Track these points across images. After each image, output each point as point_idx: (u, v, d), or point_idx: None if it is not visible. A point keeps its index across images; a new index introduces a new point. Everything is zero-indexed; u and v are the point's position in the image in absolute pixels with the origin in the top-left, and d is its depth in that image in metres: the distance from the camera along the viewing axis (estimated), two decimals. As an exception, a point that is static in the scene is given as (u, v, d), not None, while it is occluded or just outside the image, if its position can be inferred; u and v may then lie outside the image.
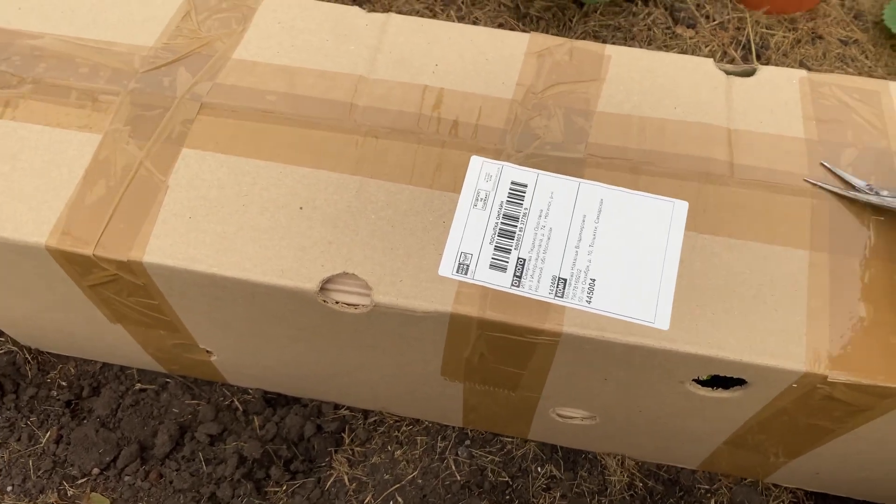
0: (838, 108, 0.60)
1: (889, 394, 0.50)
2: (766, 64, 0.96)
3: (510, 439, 0.76)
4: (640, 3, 1.00)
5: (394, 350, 0.59)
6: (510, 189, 0.55)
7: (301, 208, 0.54)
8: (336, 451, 0.75)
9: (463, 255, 0.53)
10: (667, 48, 0.97)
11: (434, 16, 0.99)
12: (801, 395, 0.53)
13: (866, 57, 0.98)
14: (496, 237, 0.54)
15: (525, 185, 0.56)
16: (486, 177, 0.56)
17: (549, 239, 0.54)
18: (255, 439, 0.74)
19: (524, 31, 0.97)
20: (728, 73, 0.62)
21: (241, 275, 0.52)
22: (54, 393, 0.77)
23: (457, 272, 0.53)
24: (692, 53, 0.97)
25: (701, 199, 0.55)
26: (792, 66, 0.97)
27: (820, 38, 0.99)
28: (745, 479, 0.75)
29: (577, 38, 0.97)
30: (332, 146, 0.57)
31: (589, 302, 0.52)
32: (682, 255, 0.53)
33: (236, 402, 0.77)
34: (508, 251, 0.53)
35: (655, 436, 0.68)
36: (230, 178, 0.56)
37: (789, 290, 0.52)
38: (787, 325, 0.51)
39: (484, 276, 0.52)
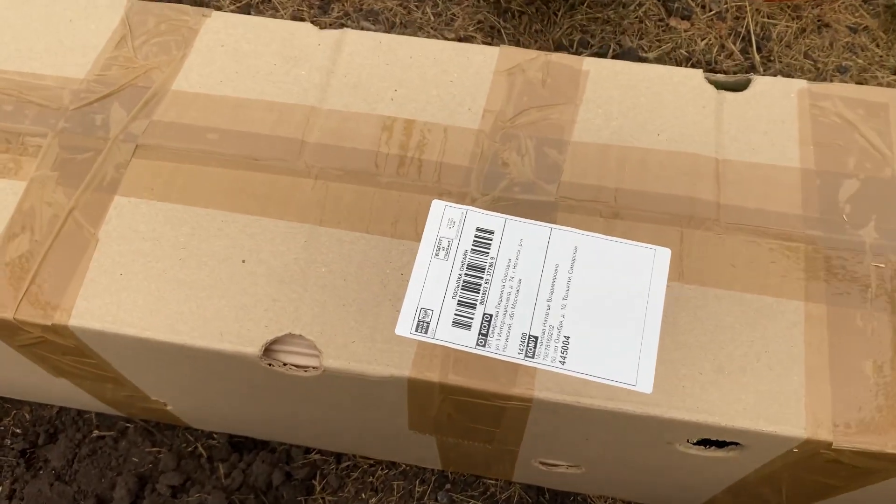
0: (839, 128, 0.54)
1: (900, 458, 0.45)
2: (769, 57, 0.90)
3: (493, 482, 0.71)
4: (629, -5, 0.94)
5: (355, 408, 0.54)
6: (475, 236, 0.50)
7: (244, 261, 0.49)
8: (306, 501, 0.70)
9: (423, 311, 0.48)
10: (660, 43, 0.90)
11: (408, 13, 0.93)
12: (805, 459, 0.48)
13: (877, 45, 0.91)
14: (459, 290, 0.48)
15: (492, 232, 0.50)
16: (448, 223, 0.50)
17: (518, 292, 0.48)
18: (219, 489, 0.69)
19: (505, 27, 0.91)
20: (719, 86, 0.56)
21: (175, 339, 0.47)
22: (8, 441, 0.73)
23: (416, 331, 0.47)
24: (687, 47, 0.90)
25: (685, 246, 0.49)
26: (796, 59, 0.90)
27: (826, 26, 0.93)
28: (746, 521, 0.70)
29: (563, 34, 0.91)
30: (278, 191, 0.51)
31: (563, 363, 0.46)
32: (666, 308, 0.48)
33: (200, 448, 0.72)
34: (473, 306, 0.48)
35: (645, 485, 0.63)
36: (166, 229, 0.50)
37: (785, 346, 0.46)
38: (783, 385, 0.45)
39: (446, 335, 0.47)
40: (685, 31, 0.90)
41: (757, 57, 0.89)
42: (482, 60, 0.58)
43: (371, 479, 0.71)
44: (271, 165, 0.52)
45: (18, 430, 0.73)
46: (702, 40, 0.89)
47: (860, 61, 0.89)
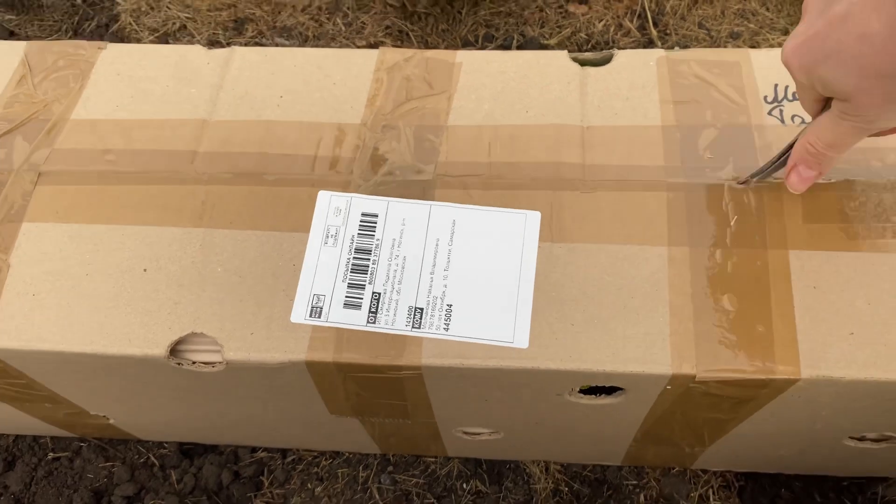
0: (697, 87, 0.58)
1: (763, 384, 0.48)
2: (665, 31, 0.94)
3: (433, 459, 0.75)
4: (530, -14, 0.98)
5: (273, 398, 0.58)
6: (360, 221, 0.54)
7: (145, 270, 0.53)
8: (256, 497, 0.73)
9: (315, 297, 0.51)
10: (560, 28, 0.94)
11: (320, 26, 0.96)
12: (681, 395, 0.51)
13: (767, 9, 0.96)
14: (349, 273, 0.52)
15: (376, 215, 0.54)
16: (335, 211, 0.54)
17: (403, 269, 0.52)
18: (173, 494, 0.72)
19: (412, 30, 0.95)
20: (583, 63, 0.60)
21: (88, 349, 0.50)
22: (-33, 473, 0.76)
23: (310, 317, 0.51)
24: (586, 31, 0.94)
25: (554, 207, 0.53)
26: (691, 29, 0.94)
27: (718, -4, 0.97)
28: (673, 469, 0.73)
29: (468, 30, 0.95)
30: (173, 200, 0.55)
31: (447, 329, 0.50)
32: (538, 267, 0.51)
33: (152, 458, 0.75)
34: (362, 287, 0.51)
35: (565, 441, 0.66)
36: (72, 248, 0.54)
37: (650, 290, 0.50)
38: (649, 327, 0.49)
39: (338, 316, 0.51)
40: (583, 14, 0.94)
41: (654, 32, 0.93)
42: (363, 62, 0.61)
43: (316, 469, 0.74)
44: (165, 177, 0.56)
45: (-23, 462, 0.76)
46: (600, 22, 0.94)
47: (752, 26, 0.93)
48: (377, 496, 0.73)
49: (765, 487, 0.72)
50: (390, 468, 0.74)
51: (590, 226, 0.53)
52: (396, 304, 0.51)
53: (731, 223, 0.52)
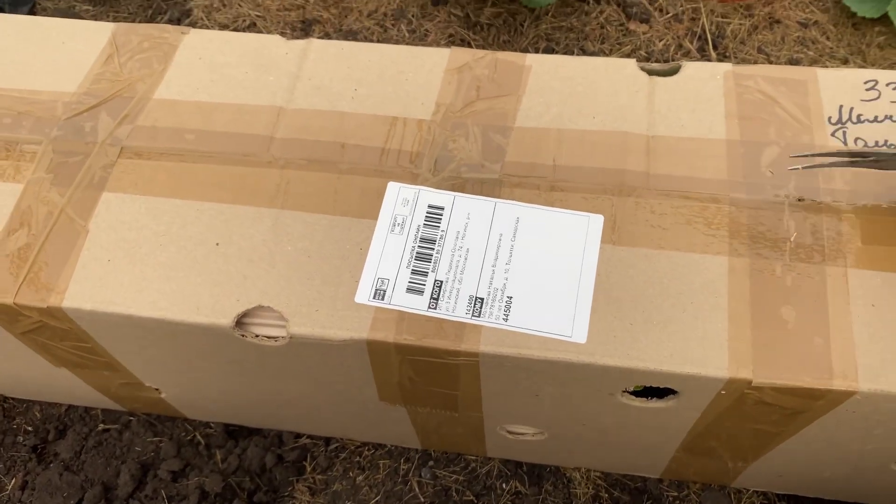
0: (762, 103, 0.59)
1: (819, 395, 0.49)
2: (724, 53, 0.95)
3: (474, 458, 0.75)
4: (591, 1, 1.00)
5: (327, 379, 0.59)
6: (427, 213, 0.55)
7: (217, 244, 0.55)
8: (298, 480, 0.74)
9: (380, 280, 0.53)
10: (620, 45, 0.96)
11: (385, 31, 0.99)
12: (735, 401, 0.52)
13: (827, 38, 0.96)
14: (413, 261, 0.53)
15: (442, 208, 0.55)
16: (403, 202, 0.56)
17: (466, 260, 0.53)
18: (216, 473, 0.74)
19: (475, 39, 0.97)
20: (651, 73, 0.62)
21: (156, 314, 0.52)
22: (20, 438, 0.78)
23: (373, 298, 0.52)
24: (646, 49, 0.96)
25: (617, 212, 0.54)
26: (750, 54, 0.95)
27: (777, 22, 0.98)
28: (714, 485, 0.73)
29: (529, 43, 0.97)
30: (248, 181, 0.57)
31: (506, 319, 0.51)
32: (599, 268, 0.52)
33: (198, 437, 0.77)
34: (425, 274, 0.53)
35: (608, 447, 0.67)
36: (148, 219, 0.56)
37: (709, 296, 0.51)
38: (707, 331, 0.50)
39: (401, 300, 0.52)
40: (644, 33, 0.95)
41: (713, 54, 0.94)
42: (435, 61, 0.63)
43: (358, 458, 0.76)
44: (242, 159, 0.58)
45: (30, 428, 0.79)
46: (660, 41, 0.95)
47: (811, 53, 0.94)
48: (417, 489, 0.74)
49: (806, 510, 0.71)
50: (431, 463, 0.75)
51: (651, 232, 0.53)
52: (458, 292, 0.52)
53: (791, 239, 0.53)
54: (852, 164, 0.52)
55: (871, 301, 0.51)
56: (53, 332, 0.57)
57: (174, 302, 0.52)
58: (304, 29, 1.00)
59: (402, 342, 0.51)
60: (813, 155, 0.53)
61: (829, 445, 0.58)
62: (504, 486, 0.74)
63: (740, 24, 0.95)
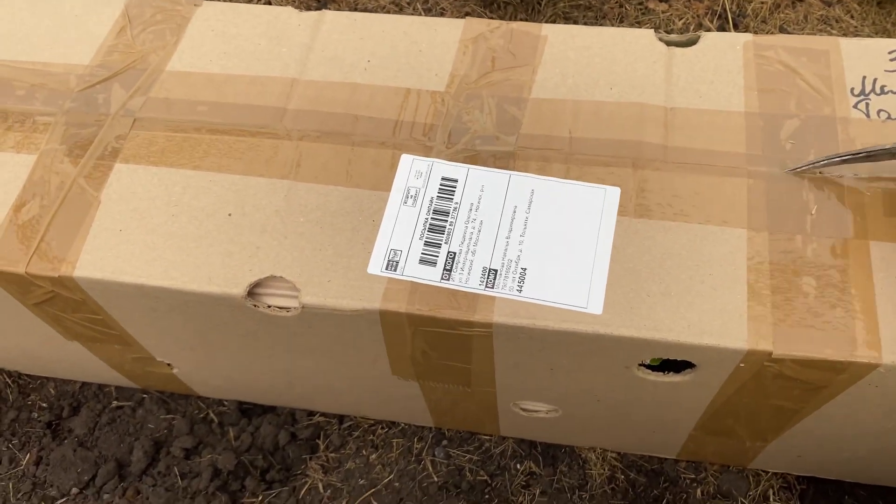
0: (782, 75, 0.58)
1: (841, 368, 0.48)
2: (745, 32, 0.93)
3: (488, 437, 0.75)
4: (610, -18, 0.98)
5: (339, 352, 0.59)
6: (440, 185, 0.54)
7: (230, 215, 0.54)
8: (311, 459, 0.74)
9: (392, 251, 0.52)
10: (639, 24, 0.94)
11: (400, 10, 0.98)
12: (754, 375, 0.51)
13: (851, 16, 0.94)
14: (426, 233, 0.53)
15: (455, 181, 0.54)
16: (416, 174, 0.55)
17: (479, 232, 0.52)
18: (229, 450, 0.74)
19: (491, 18, 0.96)
20: (669, 44, 0.60)
21: (168, 283, 0.52)
22: (35, 415, 0.78)
23: (386, 269, 0.52)
24: (665, 27, 0.94)
25: (634, 185, 0.53)
26: (772, 33, 0.93)
27: (800, 0, 0.96)
28: (731, 466, 0.72)
29: (546, 22, 0.95)
30: (261, 152, 0.56)
31: (520, 291, 0.50)
32: (615, 240, 0.51)
33: (211, 414, 0.77)
34: (438, 246, 0.52)
35: (623, 425, 0.66)
36: (160, 190, 0.55)
37: (728, 269, 0.50)
38: (726, 304, 0.49)
39: (413, 271, 0.51)
40: (663, 12, 0.94)
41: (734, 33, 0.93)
42: (448, 31, 0.62)
43: (371, 437, 0.75)
44: (254, 130, 0.57)
45: (44, 405, 0.79)
46: (679, 20, 0.93)
47: (835, 32, 0.92)
48: (430, 468, 0.73)
49: (827, 493, 0.70)
50: (445, 442, 0.75)
51: (669, 204, 0.52)
52: (471, 264, 0.51)
53: (812, 211, 0.52)
54: (868, 158, 0.51)
55: (894, 273, 0.49)
56: (65, 303, 0.57)
57: (186, 272, 0.52)
58: (318, 8, 0.99)
59: (415, 312, 0.50)
60: (830, 157, 0.52)
61: (848, 423, 0.57)
62: (518, 466, 0.73)
63: (762, 3, 0.94)
